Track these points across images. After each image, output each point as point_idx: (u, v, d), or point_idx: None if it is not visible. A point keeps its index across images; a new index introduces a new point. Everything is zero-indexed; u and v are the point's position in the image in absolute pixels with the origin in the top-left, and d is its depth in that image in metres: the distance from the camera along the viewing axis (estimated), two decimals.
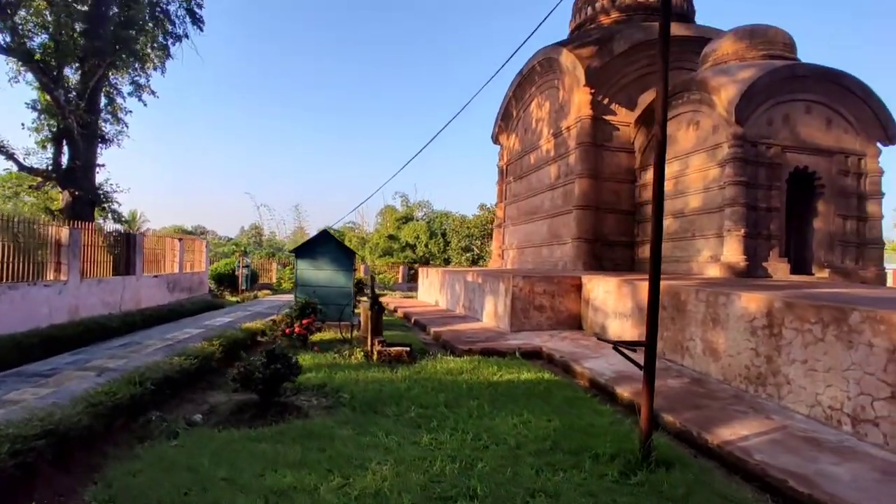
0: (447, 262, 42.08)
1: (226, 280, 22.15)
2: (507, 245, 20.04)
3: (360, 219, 57.19)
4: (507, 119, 19.85)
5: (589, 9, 16.40)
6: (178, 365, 6.21)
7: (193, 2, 16.06)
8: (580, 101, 14.01)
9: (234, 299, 18.58)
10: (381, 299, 20.12)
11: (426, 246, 43.28)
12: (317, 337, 9.53)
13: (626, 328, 9.35)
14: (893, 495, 3.77)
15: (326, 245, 11.38)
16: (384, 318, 13.40)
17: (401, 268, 32.99)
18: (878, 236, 11.30)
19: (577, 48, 13.89)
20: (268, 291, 22.89)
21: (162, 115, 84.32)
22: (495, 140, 21.03)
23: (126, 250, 13.90)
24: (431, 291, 19.73)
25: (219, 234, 69.93)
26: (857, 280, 10.97)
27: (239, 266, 21.11)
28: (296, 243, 61.14)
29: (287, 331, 8.69)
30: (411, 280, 32.68)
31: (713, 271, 10.72)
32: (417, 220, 47.27)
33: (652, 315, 4.38)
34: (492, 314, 11.99)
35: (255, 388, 5.49)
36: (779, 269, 10.48)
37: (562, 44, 15.27)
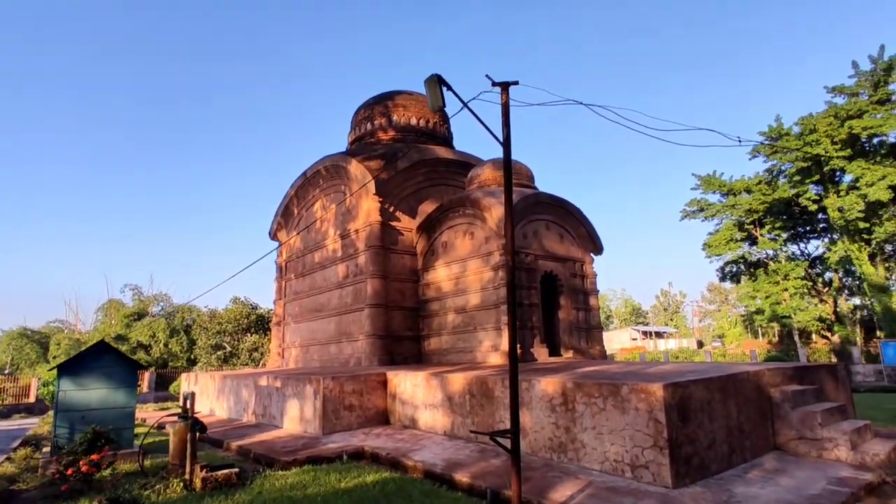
0: (193, 362, 37.66)
1: None
2: (288, 343, 19.47)
3: (72, 316, 47.65)
4: (287, 216, 20.02)
5: (368, 124, 18.38)
6: None
7: None
8: (370, 208, 15.34)
9: None
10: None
11: (166, 345, 38.31)
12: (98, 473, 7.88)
13: (437, 418, 10.24)
14: None
15: (101, 358, 9.61)
16: (157, 438, 11.59)
17: (146, 374, 28.29)
18: (598, 323, 14.94)
19: (365, 160, 15.39)
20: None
21: None
22: (273, 236, 20.84)
23: None
24: (203, 399, 17.63)
25: None
26: (590, 357, 14.20)
27: None
28: None
29: (70, 471, 7.01)
30: (160, 388, 28.22)
31: (495, 359, 12.60)
32: (154, 317, 41.72)
33: (514, 406, 5.35)
34: (297, 419, 11.58)
35: None
36: (541, 353, 12.93)
37: (349, 154, 16.66)
